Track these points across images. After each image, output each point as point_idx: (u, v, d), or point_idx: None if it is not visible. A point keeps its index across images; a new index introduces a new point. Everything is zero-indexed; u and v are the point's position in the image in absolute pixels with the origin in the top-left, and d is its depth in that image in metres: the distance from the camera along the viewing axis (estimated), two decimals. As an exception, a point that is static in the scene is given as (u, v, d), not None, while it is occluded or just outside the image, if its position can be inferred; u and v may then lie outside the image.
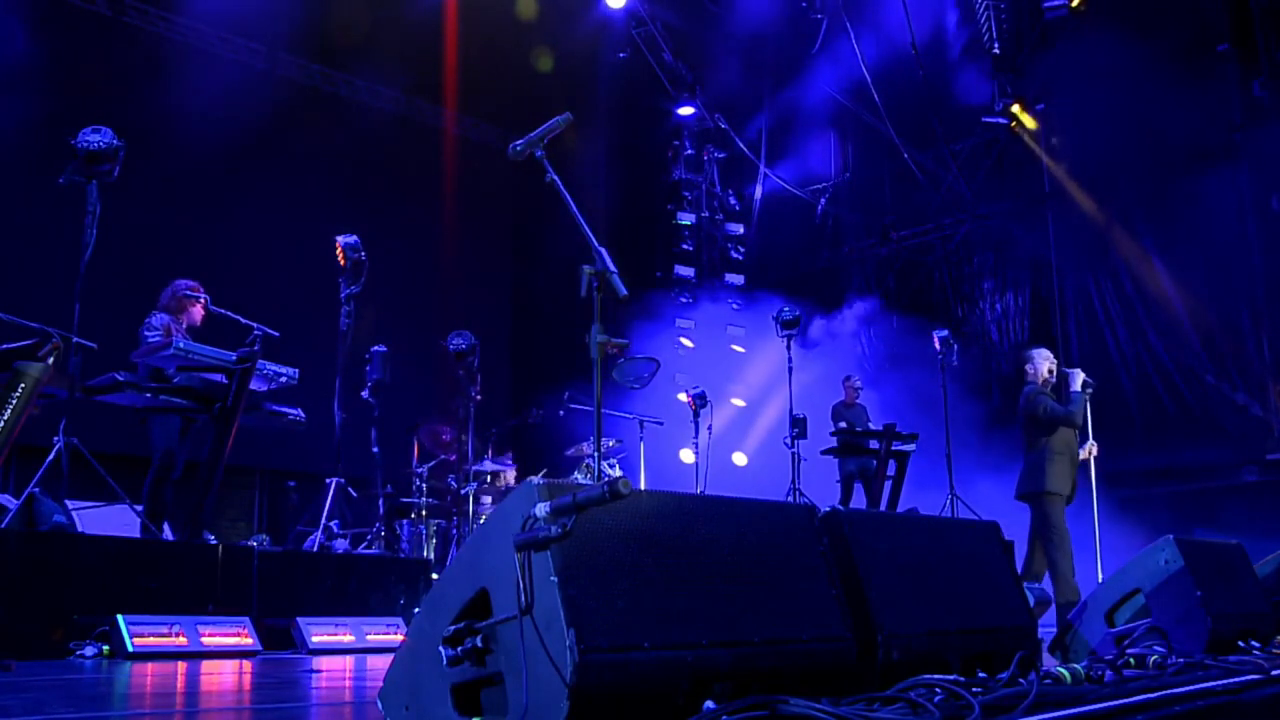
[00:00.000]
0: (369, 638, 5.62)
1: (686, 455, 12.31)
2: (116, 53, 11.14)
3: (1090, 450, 7.09)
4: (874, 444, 9.37)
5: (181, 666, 4.36)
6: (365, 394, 7.53)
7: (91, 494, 5.90)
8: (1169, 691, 2.53)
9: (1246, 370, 10.10)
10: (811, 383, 11.60)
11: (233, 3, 11.82)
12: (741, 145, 13.45)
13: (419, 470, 8.94)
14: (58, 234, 7.25)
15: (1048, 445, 6.86)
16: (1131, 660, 2.92)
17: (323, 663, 4.72)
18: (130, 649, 4.51)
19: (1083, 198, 11.21)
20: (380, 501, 7.57)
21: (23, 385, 4.54)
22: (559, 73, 13.02)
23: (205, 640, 4.82)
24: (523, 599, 1.90)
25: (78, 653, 4.54)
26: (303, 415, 6.75)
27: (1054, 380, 7.11)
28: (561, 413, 8.89)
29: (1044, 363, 7.13)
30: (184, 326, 6.80)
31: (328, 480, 6.84)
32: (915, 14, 11.69)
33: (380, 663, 4.66)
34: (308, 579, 5.86)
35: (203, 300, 6.92)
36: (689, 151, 13.76)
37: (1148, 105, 10.45)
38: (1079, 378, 6.91)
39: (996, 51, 11.56)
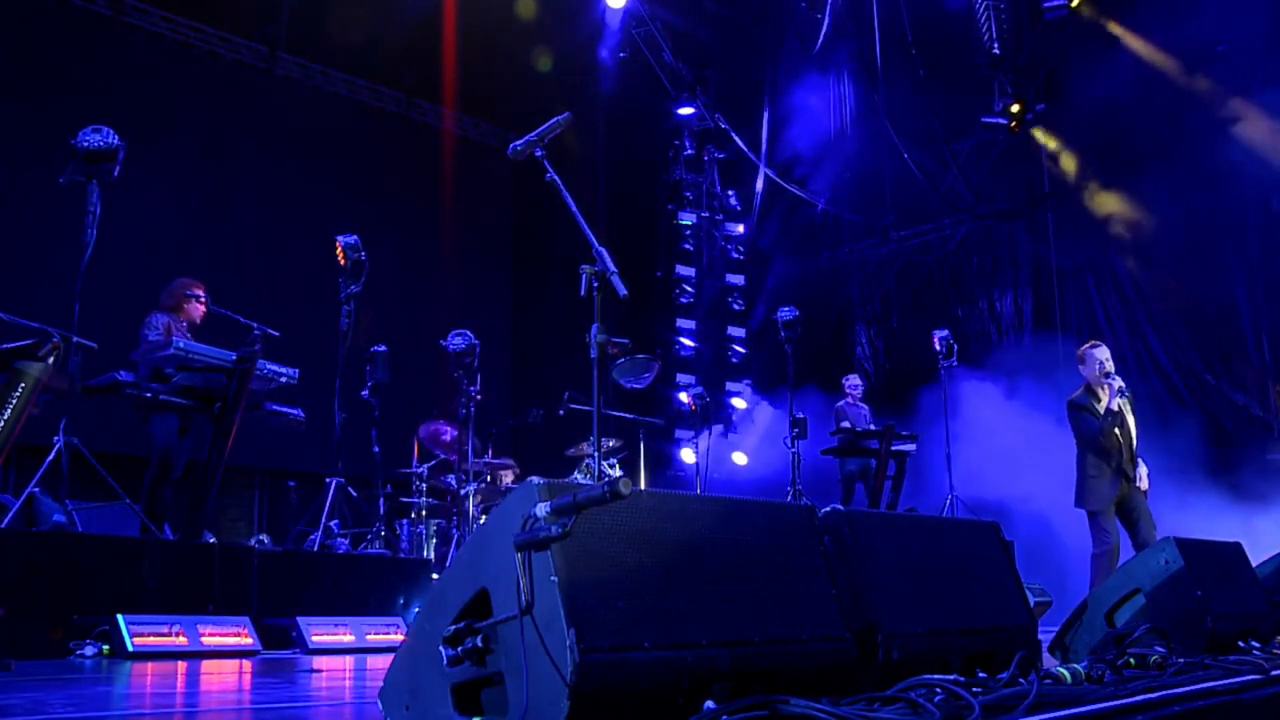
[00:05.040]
0: (369, 637, 5.62)
1: (687, 455, 12.33)
2: (116, 53, 11.13)
3: (1142, 479, 6.86)
4: (874, 444, 9.37)
5: (181, 666, 4.36)
6: (365, 394, 7.52)
7: (91, 494, 5.89)
8: (1169, 691, 2.53)
9: (1246, 370, 10.10)
10: (812, 383, 11.61)
11: (233, 3, 11.82)
12: (742, 145, 13.44)
13: (419, 470, 8.93)
14: (58, 234, 7.26)
15: (1085, 462, 6.92)
16: (1132, 660, 2.91)
17: (323, 662, 4.72)
18: (130, 649, 4.51)
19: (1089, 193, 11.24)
20: (380, 501, 7.57)
21: (23, 385, 4.55)
22: (559, 73, 13.01)
23: (205, 640, 4.82)
24: (523, 599, 1.90)
25: (78, 652, 4.54)
26: (303, 415, 6.75)
27: (1111, 381, 6.79)
28: (561, 413, 8.88)
29: (1095, 366, 6.85)
30: (184, 326, 6.80)
31: (328, 480, 6.84)
32: (915, 14, 11.69)
33: (380, 662, 4.66)
34: (308, 579, 5.85)
35: (203, 299, 6.93)
36: (689, 151, 13.75)
37: (1147, 105, 10.46)
38: (1113, 390, 6.73)
39: (996, 51, 11.56)
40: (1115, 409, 6.80)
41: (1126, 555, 6.66)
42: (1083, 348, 7.08)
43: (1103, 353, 6.92)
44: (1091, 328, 11.04)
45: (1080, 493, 6.97)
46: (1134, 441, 6.93)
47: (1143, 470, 6.92)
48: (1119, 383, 6.83)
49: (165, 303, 6.87)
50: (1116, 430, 6.83)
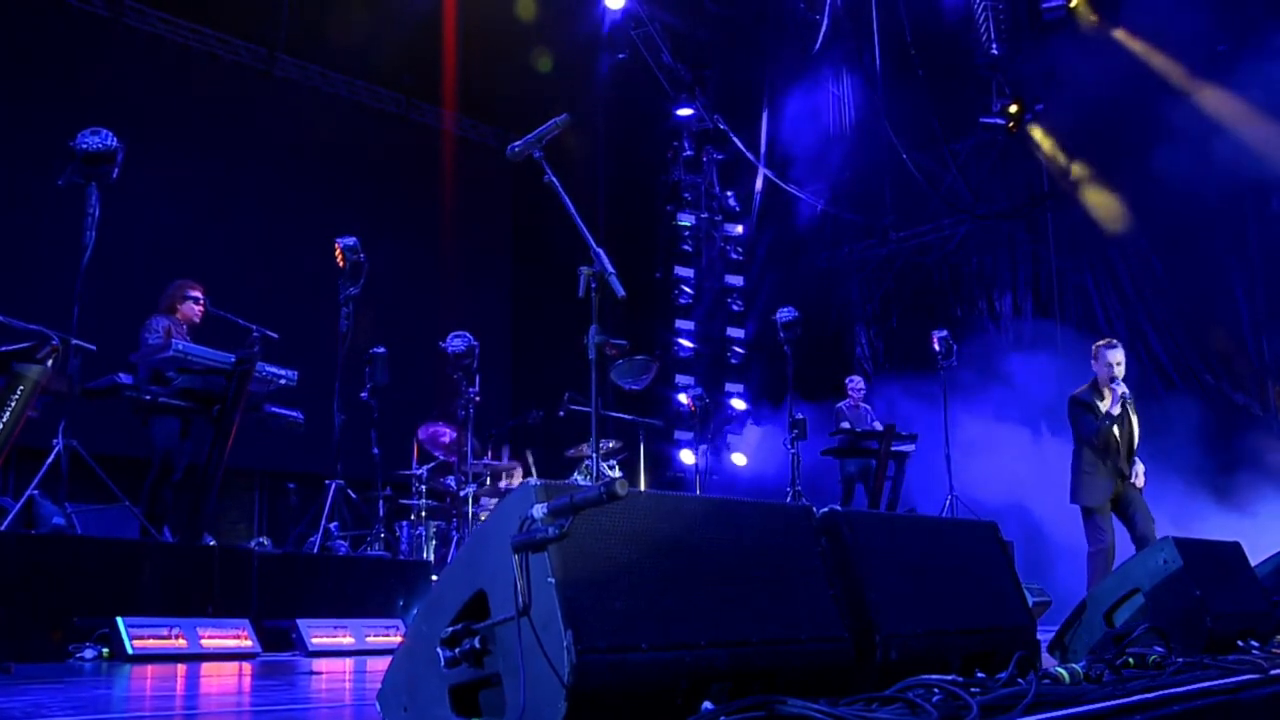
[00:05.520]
0: (369, 639, 5.61)
1: (687, 456, 12.33)
2: (115, 54, 11.14)
3: (1138, 476, 6.88)
4: (874, 445, 9.37)
5: (181, 669, 4.36)
6: (364, 395, 7.52)
7: (91, 496, 5.90)
8: (1167, 691, 2.53)
9: (1246, 370, 10.09)
10: (813, 383, 11.60)
11: (232, 4, 11.82)
12: (741, 146, 13.44)
13: (418, 472, 8.93)
14: (57, 236, 7.26)
15: (1081, 458, 6.94)
16: (1130, 660, 2.91)
17: (322, 665, 4.72)
18: (130, 651, 4.51)
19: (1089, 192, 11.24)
20: (380, 503, 7.57)
21: (21, 387, 4.54)
22: (558, 73, 13.01)
23: (205, 642, 4.82)
24: (520, 600, 1.90)
25: (77, 655, 4.54)
26: (301, 417, 6.75)
27: (1117, 386, 6.78)
28: (561, 414, 8.88)
29: (1106, 369, 6.83)
30: (184, 328, 6.80)
31: (327, 482, 6.84)
32: (914, 14, 11.70)
33: (380, 664, 4.66)
34: (307, 581, 5.86)
35: (200, 300, 6.93)
36: (688, 152, 13.74)
37: (1146, 105, 10.46)
38: (1116, 396, 6.73)
39: (995, 52, 11.57)
40: (1116, 413, 6.79)
41: (1123, 553, 6.67)
42: (1099, 344, 7.04)
43: (1116, 355, 6.88)
44: (1091, 328, 11.04)
45: (1075, 488, 6.97)
46: (1134, 441, 6.94)
47: (1139, 468, 6.92)
48: (1123, 389, 6.81)
49: (165, 305, 6.88)
50: (1116, 430, 6.84)
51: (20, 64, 10.34)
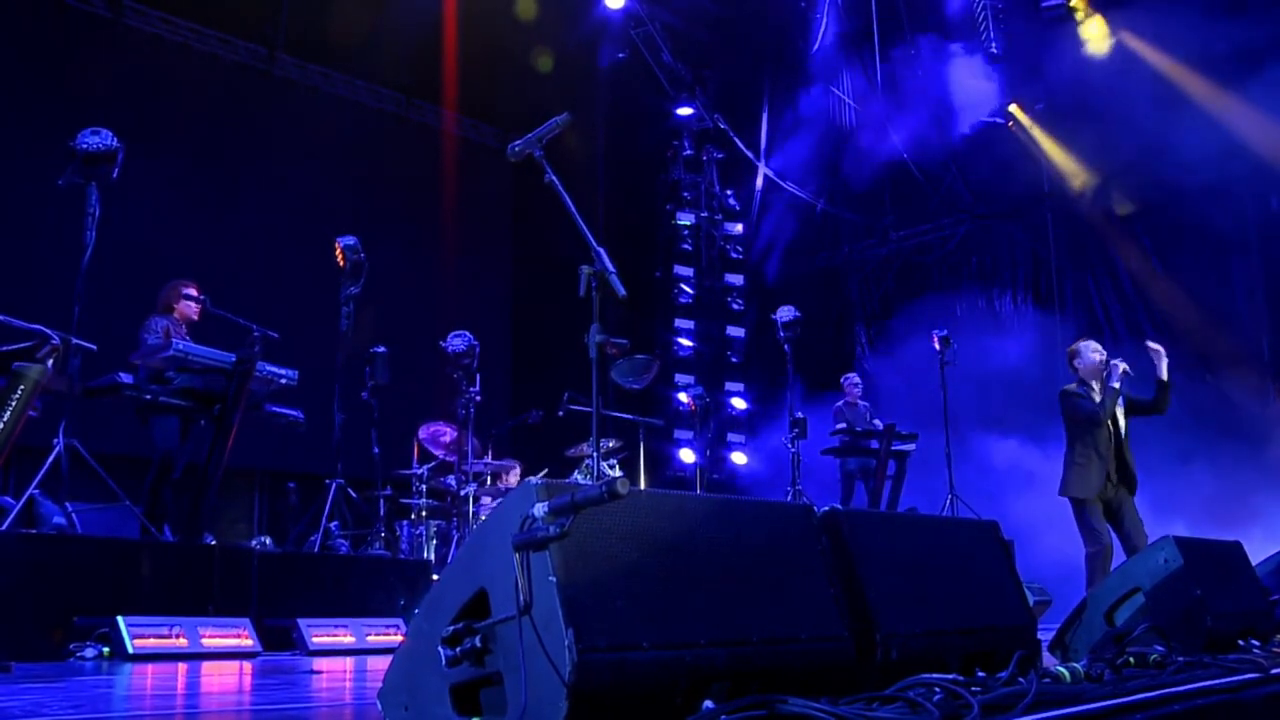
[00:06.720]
0: (369, 639, 5.62)
1: (687, 455, 12.33)
2: (116, 54, 11.13)
3: (1162, 363, 6.76)
4: (874, 444, 9.37)
5: (181, 668, 4.36)
6: (365, 395, 7.52)
7: (91, 495, 5.90)
8: (1168, 690, 2.53)
9: (1246, 370, 10.09)
10: (813, 382, 11.60)
11: (232, 4, 11.81)
12: (741, 145, 13.43)
13: (419, 471, 8.94)
14: (57, 236, 7.25)
15: (1073, 451, 6.89)
16: (1131, 659, 2.91)
17: (323, 664, 4.72)
18: (130, 650, 4.51)
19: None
20: (380, 503, 7.57)
21: (22, 387, 4.54)
22: (558, 73, 13.01)
23: (205, 641, 4.82)
24: (521, 599, 1.90)
25: (78, 654, 4.54)
26: (302, 416, 6.75)
27: (1117, 362, 6.76)
28: (561, 413, 8.88)
29: (1094, 355, 6.85)
30: (183, 328, 6.80)
31: (328, 481, 6.84)
32: (913, 12, 11.70)
33: (381, 664, 4.65)
34: (308, 580, 5.86)
35: (196, 297, 6.92)
36: (688, 152, 13.74)
37: (1147, 104, 10.46)
38: (1116, 370, 6.72)
39: (995, 50, 11.57)
40: (1118, 386, 6.74)
41: (1119, 559, 6.67)
42: (1074, 346, 7.06)
43: (1095, 343, 6.94)
44: (1091, 327, 11.04)
45: (1066, 480, 6.92)
46: (1124, 436, 6.88)
47: (1161, 354, 6.78)
48: (1124, 365, 6.75)
49: (163, 304, 6.88)
50: (1109, 423, 6.79)
51: (20, 64, 10.34)
